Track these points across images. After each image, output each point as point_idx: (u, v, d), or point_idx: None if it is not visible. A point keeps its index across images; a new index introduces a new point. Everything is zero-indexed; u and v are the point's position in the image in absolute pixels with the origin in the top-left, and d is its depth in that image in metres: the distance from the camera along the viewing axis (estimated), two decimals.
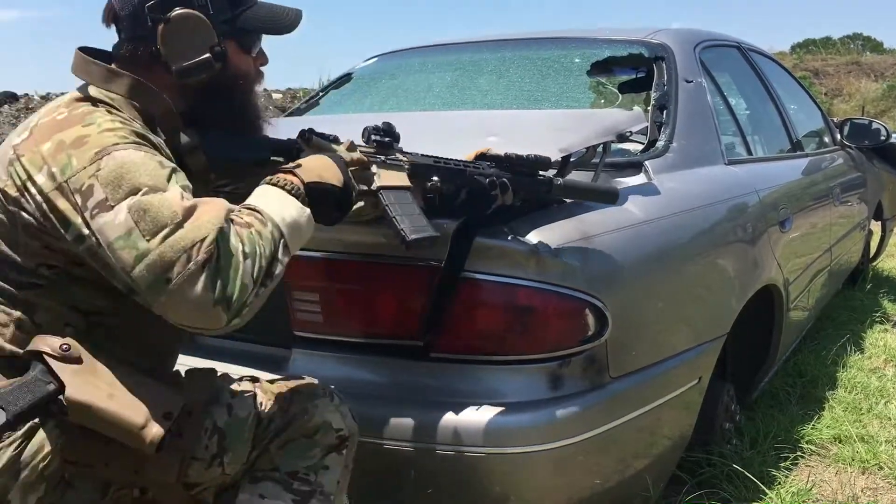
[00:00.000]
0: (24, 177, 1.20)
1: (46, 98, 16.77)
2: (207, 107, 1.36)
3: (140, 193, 1.15)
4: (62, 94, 1.35)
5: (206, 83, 1.35)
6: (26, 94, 16.91)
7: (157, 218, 1.13)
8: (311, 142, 1.42)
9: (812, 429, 2.68)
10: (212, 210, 1.16)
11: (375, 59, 3.27)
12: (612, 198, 1.82)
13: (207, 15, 1.32)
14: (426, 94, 2.88)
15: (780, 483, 2.29)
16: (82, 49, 1.35)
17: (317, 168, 1.34)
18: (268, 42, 1.47)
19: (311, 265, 1.71)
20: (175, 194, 1.16)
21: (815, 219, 3.20)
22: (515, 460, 1.63)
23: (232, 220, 1.18)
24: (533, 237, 1.64)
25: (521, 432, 1.62)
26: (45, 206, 1.19)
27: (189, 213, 1.15)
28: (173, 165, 1.23)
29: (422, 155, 1.56)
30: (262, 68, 1.47)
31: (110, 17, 1.35)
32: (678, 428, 2.06)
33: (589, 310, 1.68)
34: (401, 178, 1.49)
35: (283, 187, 1.29)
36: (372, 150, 1.49)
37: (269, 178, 1.31)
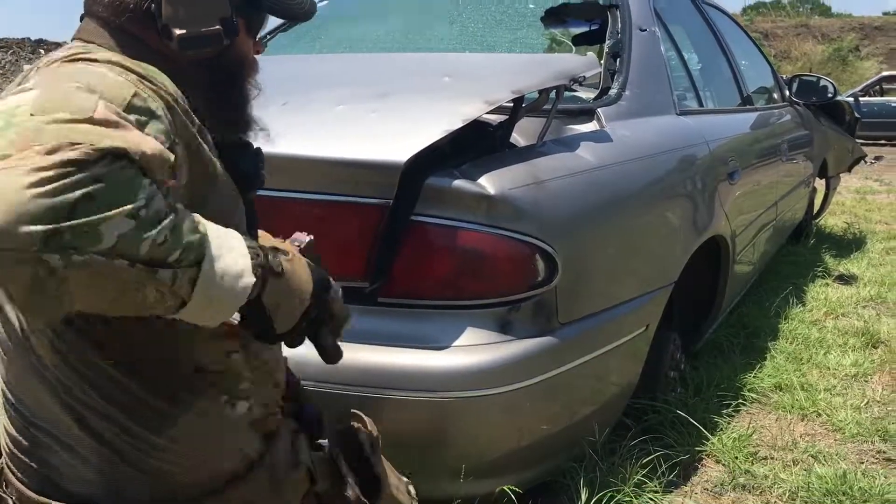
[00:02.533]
0: None
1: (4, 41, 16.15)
2: (198, 90, 1.11)
3: None
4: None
5: (204, 62, 1.11)
6: None
7: None
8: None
9: (754, 378, 2.74)
10: None
11: (327, 0, 3.18)
12: None
13: None
14: (378, 38, 2.82)
15: (722, 429, 2.34)
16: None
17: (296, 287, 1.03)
18: None
19: None
20: None
21: (763, 173, 3.23)
22: (464, 404, 1.62)
23: None
24: (484, 181, 1.62)
25: (470, 377, 1.61)
26: None
27: None
28: None
29: None
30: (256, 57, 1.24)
31: None
32: (625, 375, 2.08)
33: (539, 255, 1.67)
34: None
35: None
36: None
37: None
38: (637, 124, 2.20)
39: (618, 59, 2.32)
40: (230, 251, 0.91)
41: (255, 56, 1.22)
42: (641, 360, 2.12)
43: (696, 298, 2.71)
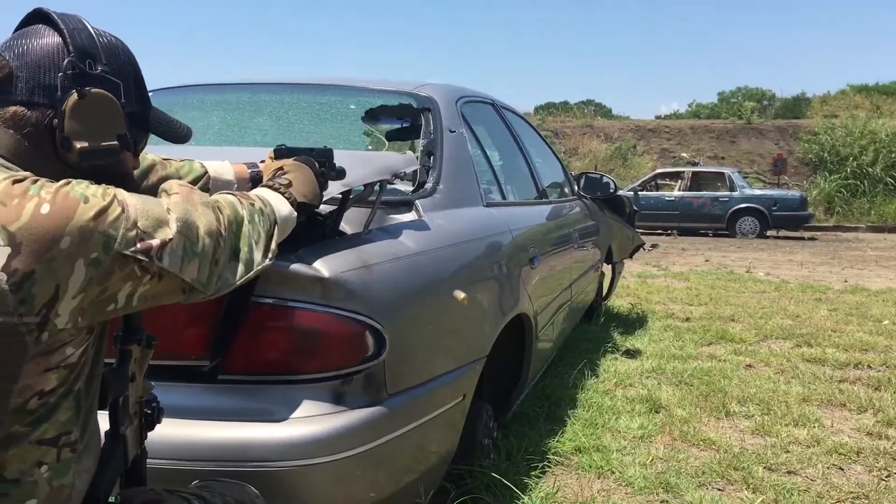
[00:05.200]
0: None
1: None
2: None
3: None
4: None
5: (94, 170, 1.20)
6: None
7: None
8: None
9: (557, 442, 3.03)
10: None
11: (151, 93, 3.24)
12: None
13: (119, 103, 1.23)
14: (204, 131, 2.92)
15: (531, 489, 2.57)
16: None
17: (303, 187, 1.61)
18: None
19: None
20: None
21: (558, 259, 3.61)
22: (299, 473, 1.72)
23: None
24: (318, 264, 1.77)
25: (305, 446, 1.71)
26: None
27: None
28: None
29: None
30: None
31: None
32: (445, 442, 2.26)
33: (369, 332, 1.84)
34: None
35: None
36: None
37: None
38: (450, 214, 2.46)
39: (431, 157, 2.59)
40: (277, 204, 1.50)
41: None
42: (459, 428, 2.32)
43: (505, 372, 2.97)
